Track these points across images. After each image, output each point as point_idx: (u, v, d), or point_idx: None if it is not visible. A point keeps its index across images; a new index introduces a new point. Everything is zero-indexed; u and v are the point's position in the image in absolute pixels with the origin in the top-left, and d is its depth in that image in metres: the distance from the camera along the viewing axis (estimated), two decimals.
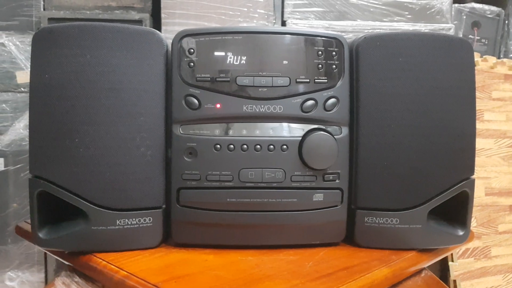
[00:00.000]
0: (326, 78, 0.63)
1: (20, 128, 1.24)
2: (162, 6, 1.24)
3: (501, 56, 1.59)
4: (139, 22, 1.24)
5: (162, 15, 1.24)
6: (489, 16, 1.56)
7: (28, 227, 0.64)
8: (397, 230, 0.64)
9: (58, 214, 0.62)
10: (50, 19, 1.23)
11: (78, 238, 0.60)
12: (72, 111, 0.58)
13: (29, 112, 0.59)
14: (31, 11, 1.24)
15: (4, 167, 1.25)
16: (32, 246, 0.59)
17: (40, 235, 0.60)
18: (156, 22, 1.29)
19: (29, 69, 0.59)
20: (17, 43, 1.23)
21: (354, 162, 0.64)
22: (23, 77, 1.19)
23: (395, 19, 1.35)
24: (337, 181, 0.64)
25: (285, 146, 0.62)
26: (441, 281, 0.70)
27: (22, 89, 1.24)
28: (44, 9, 1.26)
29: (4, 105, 1.25)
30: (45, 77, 0.58)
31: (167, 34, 1.16)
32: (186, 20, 1.23)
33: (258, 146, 0.62)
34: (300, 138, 0.62)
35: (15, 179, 1.26)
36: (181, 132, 0.62)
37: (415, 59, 0.63)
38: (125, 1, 1.25)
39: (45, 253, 1.20)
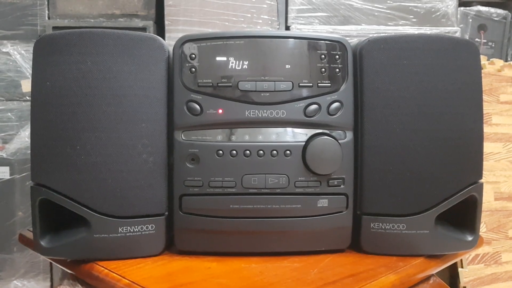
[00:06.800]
0: (329, 82, 0.62)
1: (25, 137, 1.24)
2: (165, 13, 1.25)
3: (508, 59, 1.58)
4: (143, 29, 1.25)
5: (166, 22, 1.25)
6: (496, 19, 1.55)
7: (31, 235, 0.63)
8: (404, 236, 0.63)
9: (60, 222, 0.62)
10: (55, 28, 1.24)
11: (80, 246, 0.59)
12: (73, 118, 0.58)
13: (30, 119, 0.59)
14: (36, 20, 1.26)
15: (10, 175, 1.26)
16: (38, 255, 0.59)
17: (42, 243, 0.59)
18: (160, 30, 1.29)
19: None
20: (22, 52, 1.24)
21: (359, 167, 0.63)
22: (28, 86, 1.19)
23: (400, 23, 1.34)
24: (342, 186, 0.63)
25: (288, 151, 0.61)
26: None
27: (27, 97, 1.25)
28: (48, 18, 1.27)
29: (9, 113, 1.26)
30: (46, 85, 0.58)
31: (171, 41, 1.17)
32: (189, 27, 1.23)
33: (261, 152, 0.61)
34: (304, 143, 0.61)
35: (20, 187, 1.27)
36: (183, 138, 0.61)
37: (420, 62, 0.62)
38: (129, 9, 1.26)
39: (51, 262, 1.20)
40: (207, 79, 0.61)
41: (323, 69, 0.62)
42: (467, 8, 1.53)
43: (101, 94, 0.58)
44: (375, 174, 0.62)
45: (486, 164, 1.22)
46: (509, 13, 1.56)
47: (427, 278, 0.65)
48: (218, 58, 0.61)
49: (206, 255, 0.63)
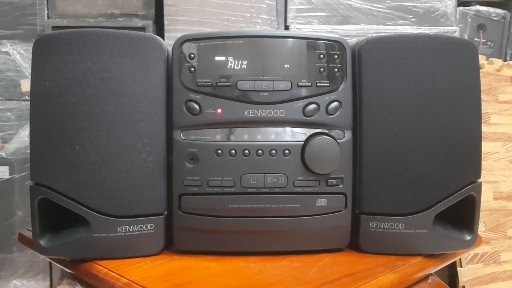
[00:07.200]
0: (328, 81, 0.62)
1: (24, 136, 1.24)
2: (165, 13, 1.25)
3: (507, 58, 1.58)
4: (142, 29, 1.25)
5: (165, 22, 1.25)
6: (495, 18, 1.55)
7: (30, 234, 0.63)
8: (403, 235, 0.63)
9: (60, 221, 0.62)
10: (54, 27, 1.24)
11: (79, 245, 0.59)
12: (73, 117, 0.58)
13: (29, 119, 0.59)
14: (35, 19, 1.26)
15: (9, 175, 1.26)
16: (37, 254, 0.59)
17: (42, 242, 0.60)
18: (159, 29, 1.29)
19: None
20: (22, 51, 1.24)
21: (357, 166, 0.63)
22: (28, 85, 1.20)
23: (399, 22, 1.34)
24: (340, 185, 0.63)
25: (287, 151, 0.61)
26: (448, 287, 0.69)
27: (27, 97, 1.25)
28: (48, 18, 1.27)
29: (8, 113, 1.26)
30: (46, 84, 0.58)
31: (170, 41, 1.17)
32: (189, 27, 1.23)
33: (260, 151, 0.61)
34: (303, 142, 0.61)
35: (20, 187, 1.27)
36: (182, 137, 0.61)
37: (418, 62, 0.62)
38: (128, 9, 1.26)
39: (50, 261, 1.21)
40: (206, 79, 0.61)
41: (322, 69, 0.62)
42: (466, 8, 1.53)
43: (101, 93, 0.58)
44: (374, 174, 0.62)
45: (485, 164, 1.23)
46: (508, 13, 1.56)
47: (426, 277, 0.66)
48: (217, 58, 0.61)
49: (205, 255, 0.63)
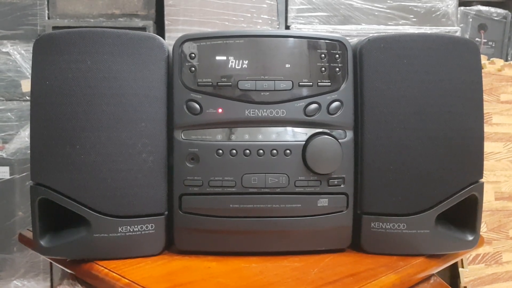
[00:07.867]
0: (329, 81, 0.62)
1: (25, 137, 1.24)
2: (165, 13, 1.25)
3: (509, 58, 1.57)
4: (143, 29, 1.25)
5: (166, 22, 1.25)
6: (496, 18, 1.55)
7: (31, 235, 0.63)
8: (405, 235, 0.63)
9: (60, 221, 0.61)
10: (55, 28, 1.24)
11: (80, 245, 0.59)
12: (73, 117, 0.57)
13: (30, 118, 0.59)
14: (36, 20, 1.26)
15: (10, 175, 1.26)
16: (38, 255, 0.59)
17: (42, 242, 0.59)
18: (160, 29, 1.29)
19: None
20: (22, 52, 1.24)
21: (359, 166, 0.63)
22: (28, 85, 1.19)
23: (400, 22, 1.34)
24: (342, 185, 0.63)
25: (288, 151, 0.61)
26: (450, 287, 0.68)
27: (27, 97, 1.24)
28: (48, 18, 1.27)
29: (9, 113, 1.26)
30: (46, 84, 0.58)
31: (171, 41, 1.17)
32: (189, 27, 1.23)
33: (261, 151, 0.61)
34: (304, 142, 0.61)
35: (20, 187, 1.27)
36: (183, 137, 0.61)
37: (420, 61, 0.62)
38: (129, 9, 1.26)
39: (51, 262, 1.20)
40: (207, 79, 0.61)
41: (323, 68, 0.62)
42: (467, 7, 1.52)
43: (101, 93, 0.58)
44: (375, 174, 0.62)
45: (486, 164, 1.22)
46: (509, 13, 1.56)
47: (428, 277, 0.65)
48: (218, 58, 0.61)
49: (206, 255, 0.63)
